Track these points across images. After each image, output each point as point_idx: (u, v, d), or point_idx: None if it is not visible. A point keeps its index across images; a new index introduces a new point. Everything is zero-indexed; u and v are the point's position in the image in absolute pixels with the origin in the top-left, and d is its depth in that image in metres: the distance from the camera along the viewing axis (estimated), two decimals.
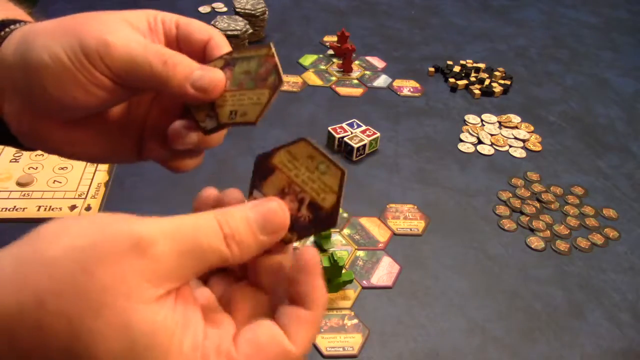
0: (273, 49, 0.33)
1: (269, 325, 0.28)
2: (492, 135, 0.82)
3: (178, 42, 0.36)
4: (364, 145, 0.74)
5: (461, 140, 0.80)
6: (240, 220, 0.28)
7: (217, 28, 0.88)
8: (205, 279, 0.32)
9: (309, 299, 0.28)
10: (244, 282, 0.31)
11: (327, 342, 0.52)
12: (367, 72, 0.94)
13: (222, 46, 0.36)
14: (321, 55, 0.97)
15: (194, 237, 0.26)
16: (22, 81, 0.33)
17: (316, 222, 0.30)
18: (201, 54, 0.36)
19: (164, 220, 0.26)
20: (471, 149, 0.79)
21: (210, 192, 0.32)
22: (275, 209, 0.29)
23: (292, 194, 0.30)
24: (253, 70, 0.34)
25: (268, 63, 0.33)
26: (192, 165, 0.39)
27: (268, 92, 0.33)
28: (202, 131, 0.35)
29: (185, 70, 0.33)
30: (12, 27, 0.35)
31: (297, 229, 0.30)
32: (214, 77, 0.34)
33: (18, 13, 0.39)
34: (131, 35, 0.33)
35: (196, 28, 0.36)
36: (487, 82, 0.93)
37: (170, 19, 0.36)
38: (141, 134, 0.39)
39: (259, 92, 0.33)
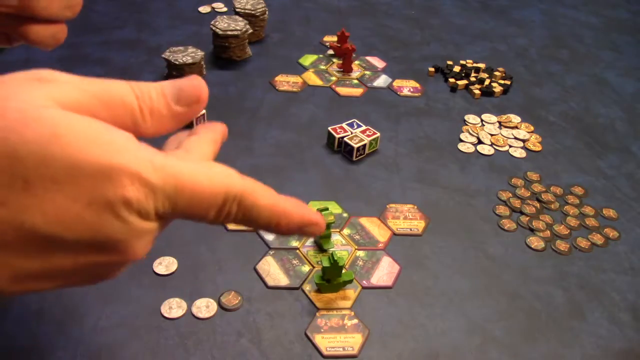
0: None
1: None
2: (492, 135, 0.82)
3: None
4: (364, 145, 0.74)
5: (461, 140, 0.80)
6: (153, 88, 0.27)
7: (217, 28, 0.89)
8: None
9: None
10: None
11: (327, 342, 0.52)
12: (367, 72, 0.94)
13: None
14: (321, 55, 0.97)
15: (101, 83, 0.25)
16: None
17: None
18: None
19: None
20: (471, 149, 0.79)
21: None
22: (191, 80, 0.29)
23: None
24: None
25: None
26: (44, 35, 0.36)
27: None
28: None
29: None
30: None
31: None
32: None
33: None
34: None
35: None
36: (487, 82, 0.93)
37: None
38: None
39: None
